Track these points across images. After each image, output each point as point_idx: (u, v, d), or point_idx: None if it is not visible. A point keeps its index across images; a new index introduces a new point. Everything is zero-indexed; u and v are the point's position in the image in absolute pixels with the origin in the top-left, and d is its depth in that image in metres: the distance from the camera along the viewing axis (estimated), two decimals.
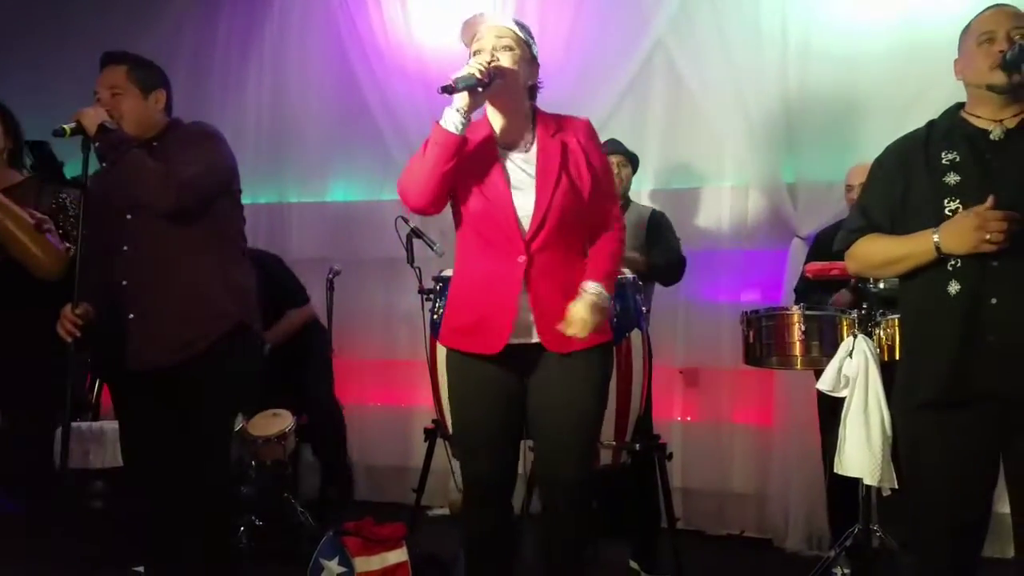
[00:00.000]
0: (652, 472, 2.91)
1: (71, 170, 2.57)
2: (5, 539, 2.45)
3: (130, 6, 4.58)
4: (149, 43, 3.98)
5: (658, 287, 3.18)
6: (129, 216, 2.18)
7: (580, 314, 1.86)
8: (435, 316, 2.68)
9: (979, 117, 1.79)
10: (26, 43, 4.62)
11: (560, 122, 2.00)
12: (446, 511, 3.95)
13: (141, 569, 2.46)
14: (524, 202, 1.91)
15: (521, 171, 1.94)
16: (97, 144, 2.10)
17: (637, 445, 2.61)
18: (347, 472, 3.80)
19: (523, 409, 1.98)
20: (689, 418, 3.79)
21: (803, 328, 2.60)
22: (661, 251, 3.06)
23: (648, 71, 3.94)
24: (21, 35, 4.63)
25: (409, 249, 3.21)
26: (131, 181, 2.11)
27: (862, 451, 2.31)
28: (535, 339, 1.93)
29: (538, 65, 2.00)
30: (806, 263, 3.09)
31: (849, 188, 3.14)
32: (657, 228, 3.10)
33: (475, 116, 1.93)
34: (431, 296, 2.75)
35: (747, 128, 3.73)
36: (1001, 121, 1.76)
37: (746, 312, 2.80)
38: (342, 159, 4.39)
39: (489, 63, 1.85)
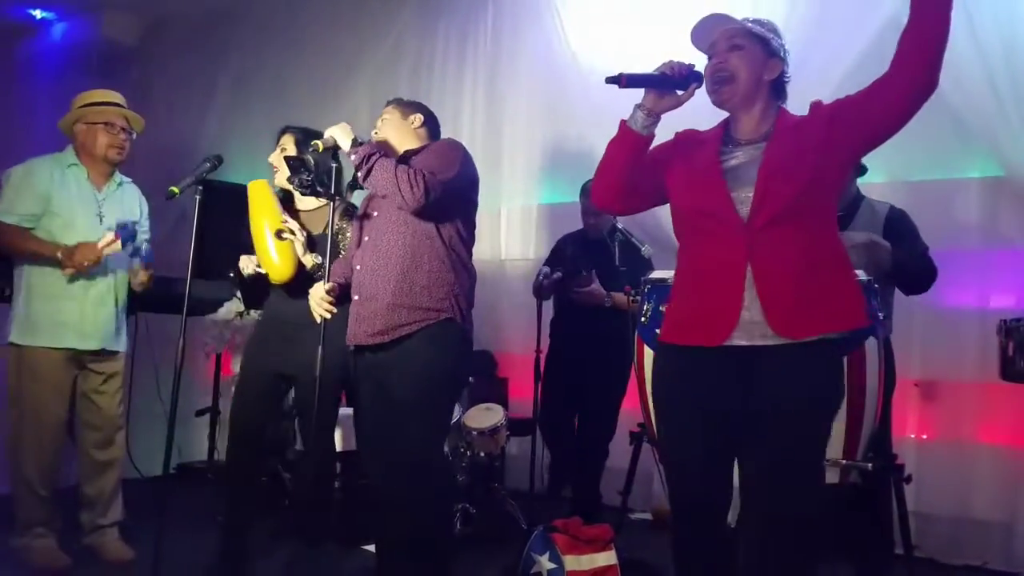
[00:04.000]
0: (885, 492, 2.66)
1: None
2: (247, 517, 2.72)
3: (357, 22, 4.94)
4: (376, 53, 4.24)
5: (897, 292, 2.87)
6: (375, 213, 2.41)
7: None
8: (643, 319, 2.62)
9: None
10: (271, 62, 5.14)
11: (803, 117, 1.89)
12: (649, 516, 3.89)
13: (372, 548, 2.62)
14: (743, 192, 1.80)
15: (747, 164, 1.84)
16: (352, 156, 2.33)
17: (870, 464, 2.39)
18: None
19: (739, 421, 1.78)
20: (925, 436, 3.45)
21: None
22: (909, 254, 2.73)
23: (879, 50, 3.57)
24: (265, 57, 5.15)
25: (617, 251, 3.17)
26: (383, 183, 2.29)
27: None
28: (759, 341, 1.74)
29: (780, 60, 1.90)
30: None
31: None
32: (899, 229, 2.76)
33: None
34: (637, 298, 2.71)
35: (999, 112, 3.29)
36: None
37: (1005, 321, 2.46)
38: (549, 161, 4.44)
39: (677, 66, 1.83)
